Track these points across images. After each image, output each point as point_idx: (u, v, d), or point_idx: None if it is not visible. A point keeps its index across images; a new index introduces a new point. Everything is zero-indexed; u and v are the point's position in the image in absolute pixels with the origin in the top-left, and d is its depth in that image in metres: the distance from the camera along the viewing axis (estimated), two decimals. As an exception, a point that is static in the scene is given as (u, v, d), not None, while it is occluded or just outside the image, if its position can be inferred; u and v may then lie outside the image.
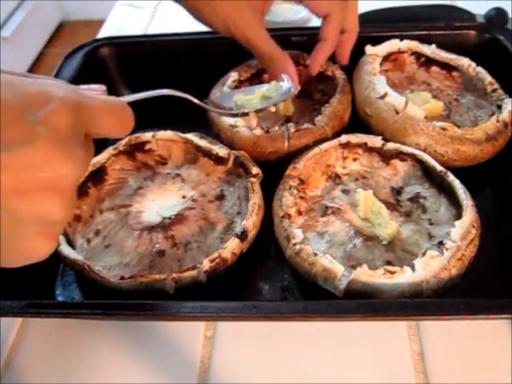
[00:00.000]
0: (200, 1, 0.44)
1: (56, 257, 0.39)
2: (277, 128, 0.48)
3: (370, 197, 0.41)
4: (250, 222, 0.40)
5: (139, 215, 0.44)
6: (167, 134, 0.48)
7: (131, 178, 0.48)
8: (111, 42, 0.58)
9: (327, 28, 0.45)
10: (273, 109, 0.45)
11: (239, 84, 0.52)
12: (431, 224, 0.41)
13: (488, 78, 0.50)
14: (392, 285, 0.34)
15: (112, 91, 0.59)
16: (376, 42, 0.52)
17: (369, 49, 0.52)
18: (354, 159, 0.46)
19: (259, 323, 0.40)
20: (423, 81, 0.53)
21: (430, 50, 0.53)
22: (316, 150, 0.44)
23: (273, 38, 0.58)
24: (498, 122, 0.45)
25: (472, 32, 0.55)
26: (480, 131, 0.44)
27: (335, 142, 0.45)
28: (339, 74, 0.51)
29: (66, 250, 0.39)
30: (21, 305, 0.35)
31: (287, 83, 0.45)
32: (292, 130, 0.46)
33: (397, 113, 0.45)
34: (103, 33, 0.74)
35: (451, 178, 0.41)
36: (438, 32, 0.55)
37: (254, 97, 0.45)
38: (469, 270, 0.36)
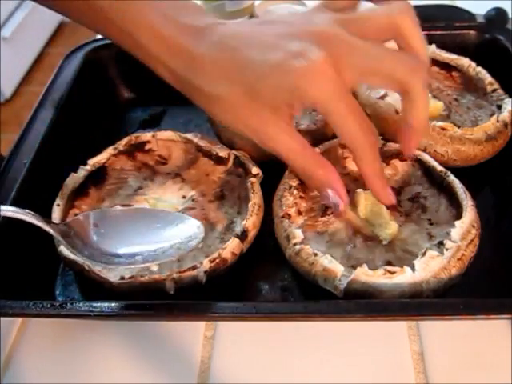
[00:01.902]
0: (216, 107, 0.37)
1: (56, 257, 0.39)
2: (277, 128, 0.48)
3: (369, 197, 0.41)
4: (250, 222, 0.40)
5: (139, 215, 0.44)
6: (167, 134, 0.48)
7: (131, 177, 0.48)
8: (111, 42, 0.58)
9: (412, 112, 0.35)
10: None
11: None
12: (431, 224, 0.41)
13: (488, 78, 0.50)
14: (392, 285, 0.34)
15: (112, 91, 0.60)
16: (376, 41, 0.52)
17: (369, 49, 0.51)
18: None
19: (259, 323, 0.40)
20: (423, 81, 0.53)
21: (430, 50, 0.53)
22: (316, 150, 0.44)
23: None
24: (498, 121, 0.45)
25: (472, 32, 0.55)
26: (480, 131, 0.44)
27: (335, 141, 0.45)
28: (339, 74, 0.51)
29: (66, 250, 0.39)
30: (21, 305, 0.35)
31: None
32: (292, 130, 0.46)
33: (397, 113, 0.45)
34: (103, 33, 0.74)
35: (451, 178, 0.41)
36: (437, 32, 0.55)
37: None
38: (469, 270, 0.36)
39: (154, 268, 0.34)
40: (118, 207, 0.38)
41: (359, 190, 0.42)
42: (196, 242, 0.35)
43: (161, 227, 0.36)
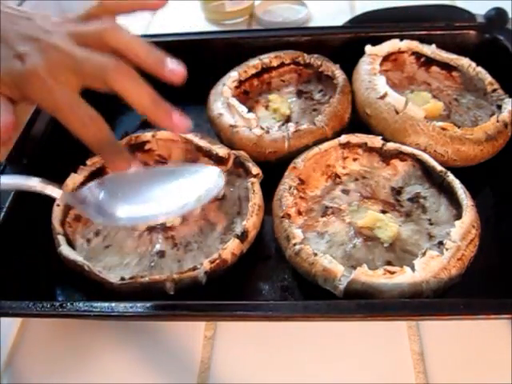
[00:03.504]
0: None
1: (56, 257, 0.39)
2: (277, 128, 0.48)
3: (376, 216, 0.40)
4: (250, 222, 0.40)
5: (139, 215, 0.44)
6: (167, 133, 0.48)
7: (131, 178, 0.48)
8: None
9: (129, 102, 0.37)
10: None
11: (239, 84, 0.52)
12: (431, 224, 0.41)
13: (488, 78, 0.50)
14: (392, 285, 0.34)
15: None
16: (376, 41, 0.52)
17: (369, 49, 0.52)
18: (354, 159, 0.46)
19: (259, 323, 0.40)
20: (423, 81, 0.53)
21: (430, 50, 0.53)
22: (316, 149, 0.44)
23: (273, 38, 0.58)
24: (497, 121, 0.45)
25: (472, 32, 0.55)
26: (480, 131, 0.44)
27: (335, 141, 0.45)
28: (339, 74, 0.51)
29: (66, 250, 0.39)
30: (21, 305, 0.35)
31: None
32: (292, 130, 0.46)
33: (397, 113, 0.45)
34: (103, 33, 0.73)
35: (451, 178, 0.41)
36: (437, 32, 0.55)
37: None
38: (469, 270, 0.36)
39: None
40: (134, 168, 0.36)
41: (371, 212, 0.41)
42: (217, 190, 0.35)
43: (182, 181, 0.36)
